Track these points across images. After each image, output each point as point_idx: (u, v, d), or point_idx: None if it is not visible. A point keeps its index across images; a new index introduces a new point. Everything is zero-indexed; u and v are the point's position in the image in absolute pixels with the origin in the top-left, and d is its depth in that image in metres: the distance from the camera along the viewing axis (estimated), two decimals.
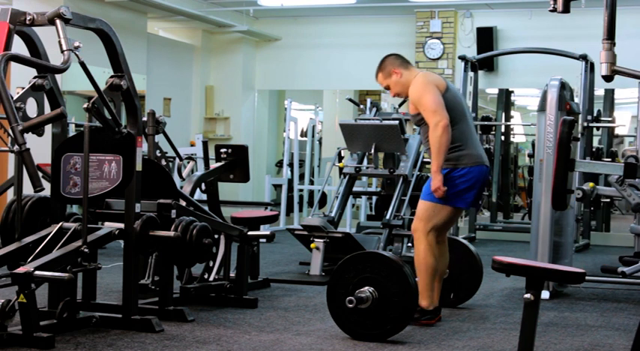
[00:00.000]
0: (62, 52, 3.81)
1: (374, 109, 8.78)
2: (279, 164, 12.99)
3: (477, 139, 4.89)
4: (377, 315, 4.28)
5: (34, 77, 4.24)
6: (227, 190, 8.47)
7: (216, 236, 5.32)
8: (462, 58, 9.88)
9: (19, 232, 4.47)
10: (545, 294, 5.72)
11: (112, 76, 4.35)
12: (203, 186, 6.01)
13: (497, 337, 4.50)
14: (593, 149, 9.82)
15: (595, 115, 9.58)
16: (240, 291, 5.31)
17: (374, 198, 9.84)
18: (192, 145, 10.70)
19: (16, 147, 3.69)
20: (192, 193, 5.70)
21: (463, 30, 11.05)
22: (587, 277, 3.26)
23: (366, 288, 4.30)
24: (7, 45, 3.89)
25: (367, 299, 4.27)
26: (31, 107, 4.29)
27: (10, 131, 3.69)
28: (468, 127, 4.76)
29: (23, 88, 4.24)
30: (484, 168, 4.76)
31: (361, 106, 9.55)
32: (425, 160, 7.37)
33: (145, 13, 10.47)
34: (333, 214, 6.99)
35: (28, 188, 4.01)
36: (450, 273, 5.23)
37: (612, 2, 2.98)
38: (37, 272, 3.85)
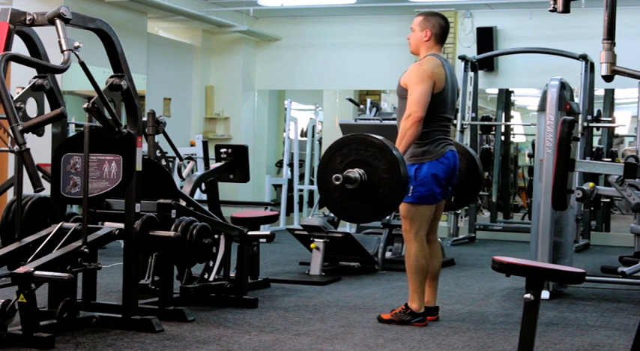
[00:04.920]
0: (62, 52, 3.81)
1: (374, 109, 8.79)
2: (279, 164, 12.99)
3: (445, 138, 4.83)
4: (367, 195, 4.28)
5: (34, 77, 4.23)
6: (227, 190, 8.46)
7: (216, 236, 5.32)
8: (462, 58, 9.89)
9: (19, 232, 4.46)
10: (545, 294, 5.72)
11: (112, 76, 4.35)
12: (203, 186, 6.01)
13: (497, 337, 4.50)
14: (593, 149, 9.83)
15: (595, 115, 9.59)
16: (240, 291, 5.31)
17: None
18: (192, 145, 10.69)
19: (16, 147, 3.69)
20: (192, 193, 5.70)
21: (463, 30, 11.04)
22: (587, 277, 3.26)
23: (356, 169, 4.29)
24: (7, 45, 3.89)
25: (355, 180, 4.27)
26: (31, 107, 4.29)
27: (10, 131, 3.69)
28: (438, 127, 4.75)
29: (23, 88, 4.23)
30: (446, 155, 4.71)
31: (361, 106, 9.57)
32: None
33: (145, 13, 10.46)
34: (333, 214, 6.98)
35: (28, 188, 4.01)
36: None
37: (612, 2, 2.98)
38: (37, 272, 3.85)
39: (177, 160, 6.45)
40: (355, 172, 4.30)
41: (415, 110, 4.58)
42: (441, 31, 4.80)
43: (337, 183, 4.26)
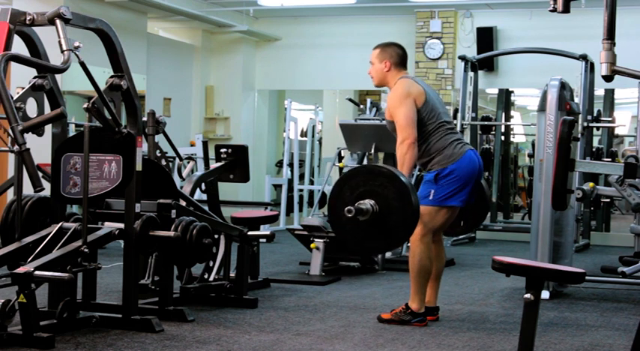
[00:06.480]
0: (62, 52, 3.81)
1: (374, 109, 8.78)
2: (279, 164, 12.99)
3: (458, 138, 4.84)
4: (379, 226, 4.28)
5: (34, 77, 4.23)
6: (227, 190, 8.47)
7: (216, 236, 5.32)
8: (462, 58, 9.88)
9: (19, 232, 4.46)
10: (545, 294, 5.72)
11: (112, 76, 4.35)
12: (203, 186, 6.01)
13: (497, 337, 4.50)
14: (593, 149, 9.82)
15: (595, 115, 9.58)
16: (240, 291, 5.31)
17: None
18: (192, 145, 10.69)
19: (16, 147, 3.69)
20: (192, 193, 5.70)
21: (463, 30, 11.05)
22: (587, 277, 3.26)
23: (367, 200, 4.29)
24: (7, 45, 3.89)
25: (367, 211, 4.26)
26: (31, 107, 4.29)
27: (10, 131, 3.69)
28: (445, 133, 4.74)
29: (23, 88, 4.23)
30: (468, 155, 4.71)
31: (361, 106, 9.56)
32: None
33: (145, 13, 10.47)
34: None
35: (28, 188, 4.01)
36: None
37: (612, 2, 2.98)
38: (37, 272, 3.85)
39: (177, 160, 6.45)
40: (366, 204, 4.28)
41: (407, 135, 4.59)
42: (399, 59, 4.85)
43: (349, 215, 4.25)
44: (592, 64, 9.29)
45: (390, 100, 4.75)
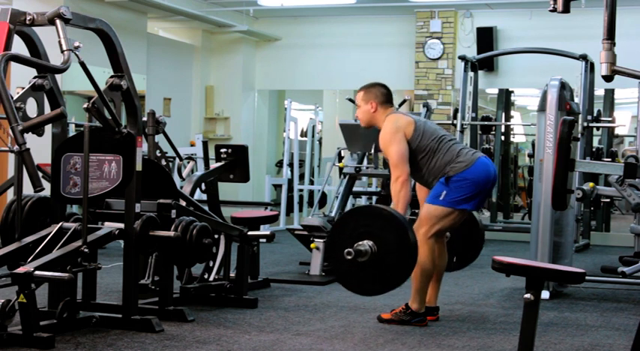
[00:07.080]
0: (62, 52, 3.82)
1: None
2: (279, 164, 13.00)
3: (465, 146, 4.85)
4: (378, 267, 4.30)
5: (34, 77, 4.24)
6: (227, 190, 8.48)
7: (216, 236, 5.32)
8: (462, 58, 9.88)
9: (19, 232, 4.47)
10: (545, 294, 5.72)
11: (112, 76, 4.35)
12: (203, 186, 6.01)
13: (497, 337, 4.50)
14: (593, 149, 9.82)
15: (595, 115, 9.58)
16: (240, 291, 5.31)
17: (374, 198, 9.84)
18: (192, 145, 10.69)
19: (16, 147, 3.70)
20: (192, 193, 5.70)
21: (463, 30, 11.04)
22: (587, 277, 3.26)
23: (365, 241, 4.31)
24: (7, 45, 3.89)
25: (366, 253, 4.28)
26: (31, 107, 4.29)
27: (10, 131, 3.69)
28: (449, 144, 4.75)
29: (23, 88, 4.24)
30: (482, 162, 4.70)
31: None
32: None
33: (145, 13, 10.47)
34: (333, 214, 6.98)
35: (28, 188, 4.02)
36: (452, 238, 5.11)
37: (612, 2, 2.98)
38: (37, 272, 3.85)
39: (177, 160, 6.45)
40: (365, 245, 4.30)
41: (399, 173, 4.59)
42: (384, 98, 4.86)
43: (349, 257, 4.27)
44: (592, 64, 9.29)
45: (381, 139, 4.76)
